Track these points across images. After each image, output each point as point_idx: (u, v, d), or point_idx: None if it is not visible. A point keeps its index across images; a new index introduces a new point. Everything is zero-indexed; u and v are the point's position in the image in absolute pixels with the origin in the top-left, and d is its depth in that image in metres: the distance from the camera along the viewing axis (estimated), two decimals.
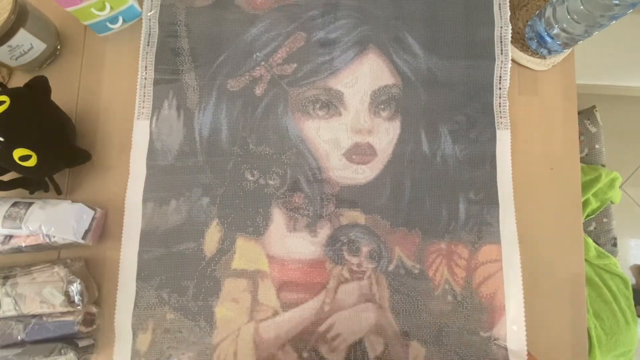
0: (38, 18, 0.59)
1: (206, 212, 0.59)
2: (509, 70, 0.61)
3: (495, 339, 0.56)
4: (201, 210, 0.59)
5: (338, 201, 0.59)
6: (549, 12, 0.55)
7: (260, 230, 0.58)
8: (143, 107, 0.62)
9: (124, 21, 0.62)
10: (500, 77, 0.61)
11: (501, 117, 0.60)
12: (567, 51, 0.61)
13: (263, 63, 0.61)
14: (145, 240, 0.59)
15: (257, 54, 0.61)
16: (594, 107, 0.91)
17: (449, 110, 0.60)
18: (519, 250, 0.58)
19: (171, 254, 0.58)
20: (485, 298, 0.57)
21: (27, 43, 0.58)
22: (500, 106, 0.61)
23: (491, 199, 0.59)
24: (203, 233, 0.58)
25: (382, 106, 0.60)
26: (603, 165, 0.88)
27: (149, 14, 0.63)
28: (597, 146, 0.89)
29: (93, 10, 0.58)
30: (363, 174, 0.59)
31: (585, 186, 0.82)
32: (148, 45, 0.63)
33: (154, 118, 0.61)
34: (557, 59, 0.62)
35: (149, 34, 0.63)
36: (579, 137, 0.64)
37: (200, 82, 0.61)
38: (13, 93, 0.53)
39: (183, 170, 0.60)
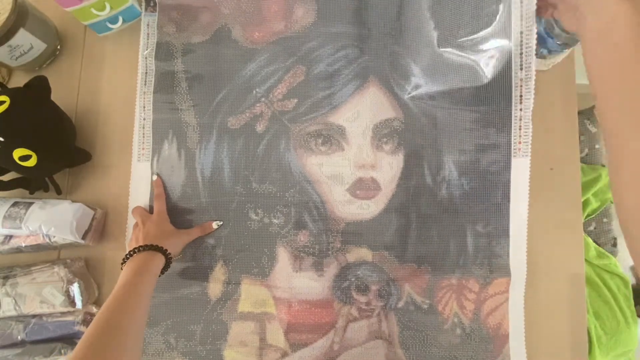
0: (38, 18, 0.59)
1: (211, 254, 0.58)
2: (532, 87, 0.53)
3: None
4: (206, 253, 0.58)
5: (344, 238, 0.58)
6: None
7: (265, 272, 0.58)
8: (143, 149, 0.60)
9: (124, 21, 0.62)
10: (522, 95, 0.54)
11: (520, 143, 0.55)
12: (567, 51, 0.61)
13: (263, 99, 0.59)
14: None
15: (257, 89, 0.59)
16: (594, 107, 0.90)
17: (454, 140, 0.57)
18: (525, 277, 0.56)
19: (176, 298, 0.58)
20: (492, 329, 0.56)
21: (27, 43, 0.58)
22: (521, 129, 0.55)
23: (501, 231, 0.56)
24: (207, 276, 0.58)
25: (385, 139, 0.58)
26: (603, 165, 0.88)
27: (144, 53, 0.61)
28: (597, 146, 0.88)
29: (93, 10, 0.57)
30: (368, 209, 0.58)
31: (585, 186, 0.82)
32: (145, 84, 0.61)
33: (155, 160, 0.60)
34: (557, 59, 0.62)
35: (146, 73, 0.61)
36: (579, 137, 0.64)
37: (200, 120, 0.60)
38: (13, 93, 0.53)
39: (186, 212, 0.59)
